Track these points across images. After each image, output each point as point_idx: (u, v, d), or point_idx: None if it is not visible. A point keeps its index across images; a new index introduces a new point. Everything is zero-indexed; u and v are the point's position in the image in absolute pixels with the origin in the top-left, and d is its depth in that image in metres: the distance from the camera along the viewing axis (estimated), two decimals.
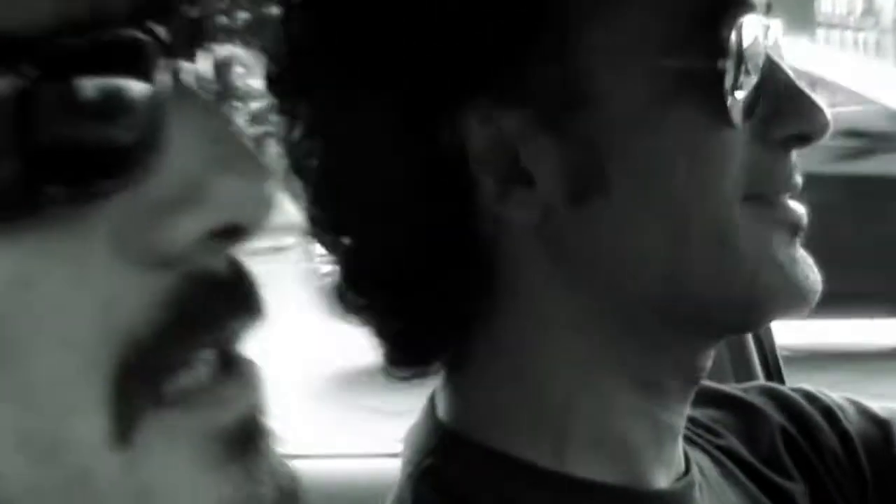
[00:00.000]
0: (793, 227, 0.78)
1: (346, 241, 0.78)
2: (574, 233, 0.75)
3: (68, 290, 0.37)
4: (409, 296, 0.77)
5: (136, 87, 0.38)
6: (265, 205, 0.39)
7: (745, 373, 1.54)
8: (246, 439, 0.40)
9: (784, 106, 0.77)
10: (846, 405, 0.95)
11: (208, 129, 0.39)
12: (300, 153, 0.78)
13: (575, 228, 0.75)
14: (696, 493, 0.82)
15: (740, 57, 0.75)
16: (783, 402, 0.94)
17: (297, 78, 0.78)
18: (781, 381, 1.55)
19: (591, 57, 0.74)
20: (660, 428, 0.80)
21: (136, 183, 0.38)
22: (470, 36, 0.73)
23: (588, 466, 0.79)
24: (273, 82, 0.79)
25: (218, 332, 0.39)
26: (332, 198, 0.78)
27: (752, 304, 0.77)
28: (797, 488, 0.89)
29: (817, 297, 0.78)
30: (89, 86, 0.37)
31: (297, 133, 0.78)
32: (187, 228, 0.38)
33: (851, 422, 0.93)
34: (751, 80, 0.75)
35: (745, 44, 0.75)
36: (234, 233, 0.39)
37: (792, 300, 0.78)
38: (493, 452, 0.79)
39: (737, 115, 0.75)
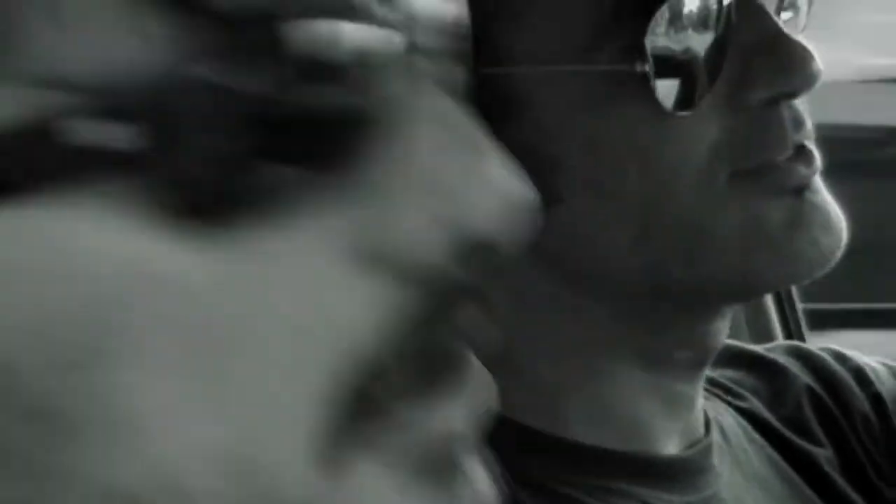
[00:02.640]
0: (796, 189, 0.72)
1: None
2: (543, 234, 0.69)
3: (284, 297, 0.30)
4: None
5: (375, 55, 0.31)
6: (506, 207, 0.33)
7: (763, 332, 1.51)
8: (451, 457, 0.34)
9: (754, 64, 0.70)
10: (879, 367, 0.91)
11: (435, 111, 0.33)
12: None
13: (542, 230, 0.69)
14: (714, 459, 0.79)
15: (667, 49, 0.69)
16: (810, 362, 0.90)
17: None
18: (803, 340, 1.53)
19: (510, 63, 0.69)
20: (672, 399, 0.77)
21: (360, 166, 0.31)
22: None
23: (592, 436, 0.75)
24: None
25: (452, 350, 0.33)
26: None
27: (747, 278, 0.73)
28: (822, 453, 0.86)
29: (832, 257, 0.73)
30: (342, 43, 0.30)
31: None
32: (426, 229, 0.31)
33: (884, 384, 0.90)
34: (706, 39, 0.69)
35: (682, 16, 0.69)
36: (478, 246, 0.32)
37: (795, 270, 0.73)
38: None
39: (680, 101, 0.69)
